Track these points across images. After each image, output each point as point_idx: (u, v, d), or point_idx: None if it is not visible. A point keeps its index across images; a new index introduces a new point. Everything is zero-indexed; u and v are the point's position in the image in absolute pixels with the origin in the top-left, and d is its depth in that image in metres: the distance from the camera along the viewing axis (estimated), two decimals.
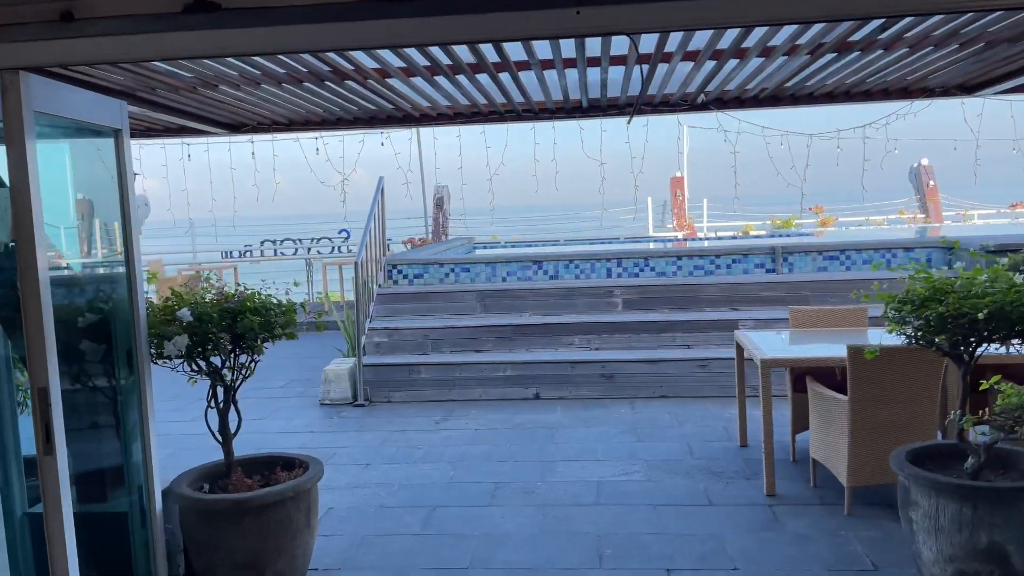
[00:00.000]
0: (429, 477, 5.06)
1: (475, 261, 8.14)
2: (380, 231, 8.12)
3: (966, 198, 18.77)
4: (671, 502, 4.45)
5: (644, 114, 5.79)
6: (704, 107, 5.48)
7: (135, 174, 2.95)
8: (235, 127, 5.45)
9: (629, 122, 6.18)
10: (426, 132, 13.45)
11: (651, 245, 12.55)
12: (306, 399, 7.38)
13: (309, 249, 15.67)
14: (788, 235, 12.29)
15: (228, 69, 4.20)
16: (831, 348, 4.71)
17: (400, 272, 8.20)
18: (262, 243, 15.93)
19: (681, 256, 7.86)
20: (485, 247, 12.69)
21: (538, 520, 4.28)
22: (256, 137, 6.38)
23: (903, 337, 3.28)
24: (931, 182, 17.38)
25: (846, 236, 10.26)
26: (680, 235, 15.21)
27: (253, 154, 12.54)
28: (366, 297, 7.63)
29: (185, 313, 3.05)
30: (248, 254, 15.98)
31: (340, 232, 15.45)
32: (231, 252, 15.79)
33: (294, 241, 15.72)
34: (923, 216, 17.19)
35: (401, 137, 13.26)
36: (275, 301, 3.44)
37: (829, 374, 4.54)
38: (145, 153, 12.64)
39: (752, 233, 16.44)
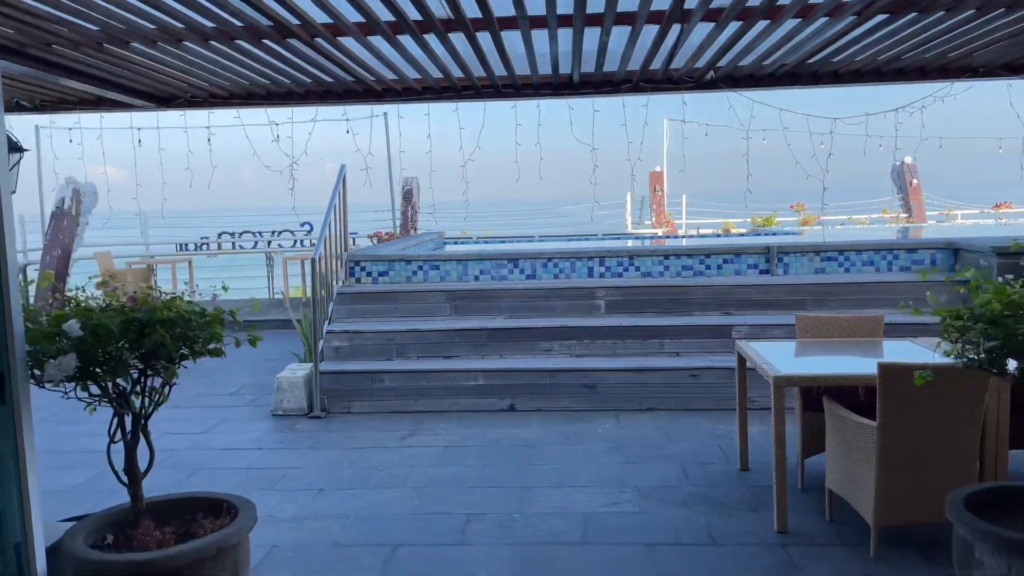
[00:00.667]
0: (391, 506, 4.45)
1: (445, 258, 7.52)
2: (341, 225, 7.47)
3: (948, 197, 18.55)
4: (669, 540, 3.89)
5: (642, 92, 5.21)
6: (712, 85, 4.91)
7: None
8: (164, 100, 4.76)
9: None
10: (394, 118, 12.78)
11: (629, 243, 12.02)
12: (257, 409, 6.71)
13: (269, 243, 14.90)
14: (780, 234, 11.83)
15: (139, 18, 3.50)
16: (852, 363, 4.19)
17: (363, 269, 7.55)
18: (219, 236, 15.13)
19: (668, 255, 7.32)
20: (456, 243, 12.07)
21: (517, 564, 3.69)
22: (191, 113, 5.66)
23: (960, 358, 2.75)
24: (914, 180, 17.10)
25: (845, 236, 9.82)
26: (660, 232, 14.72)
27: (210, 140, 11.77)
28: (325, 297, 6.97)
29: (73, 326, 2.40)
30: (205, 247, 15.17)
31: (303, 225, 14.71)
32: (186, 245, 14.96)
33: (253, 234, 14.93)
34: (906, 215, 16.90)
35: (366, 123, 12.54)
36: (198, 309, 2.80)
37: (850, 392, 4.01)
38: (109, 137, 11.77)
39: (733, 231, 16.01)
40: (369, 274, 7.55)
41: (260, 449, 5.62)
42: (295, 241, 14.67)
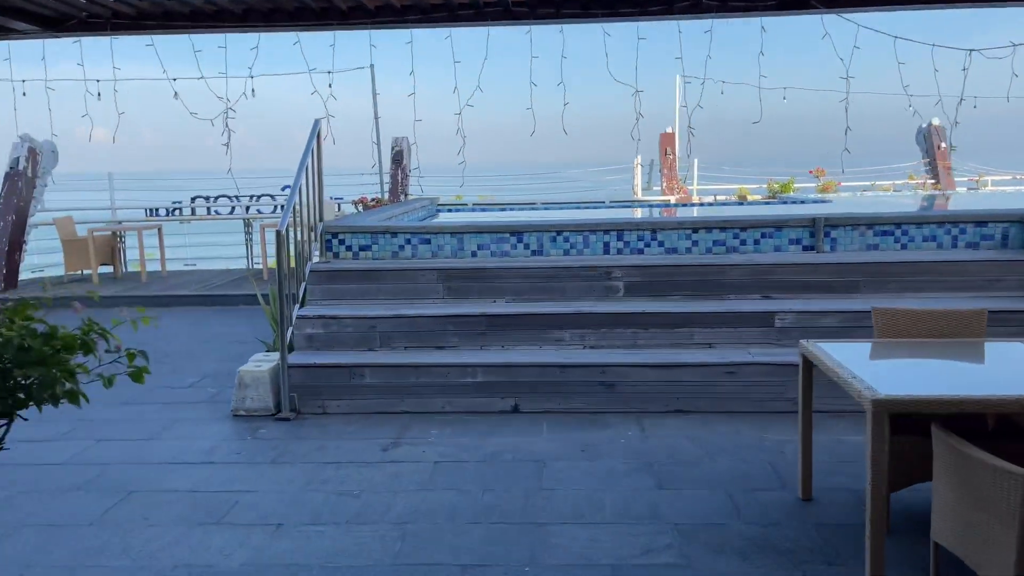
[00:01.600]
0: (367, 551, 3.54)
1: (437, 231, 6.54)
2: (316, 189, 6.47)
3: (977, 163, 17.55)
4: None
5: (705, 13, 4.17)
6: (803, 4, 3.88)
7: None
8: (53, 23, 3.75)
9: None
10: (382, 72, 11.69)
11: (643, 213, 11.04)
12: (217, 407, 5.79)
13: (248, 208, 13.87)
14: (797, 202, 10.83)
15: None
16: (969, 377, 3.26)
17: (342, 243, 6.57)
18: (193, 200, 14.08)
19: (697, 228, 6.35)
20: (450, 210, 11.06)
21: None
22: (86, 41, 4.63)
23: None
24: (942, 144, 16.09)
25: (901, 207, 8.86)
26: (672, 200, 13.72)
27: (176, 94, 10.67)
28: (296, 275, 6.01)
29: None
30: (177, 212, 14.13)
31: (284, 188, 13.66)
32: (157, 210, 13.93)
33: (230, 198, 13.88)
34: (933, 182, 15.93)
35: (351, 79, 11.45)
36: (57, 332, 1.83)
37: (969, 417, 3.09)
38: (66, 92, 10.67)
39: (749, 199, 15.03)
40: (349, 248, 6.58)
41: (212, 463, 4.69)
42: (275, 207, 13.65)
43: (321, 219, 6.56)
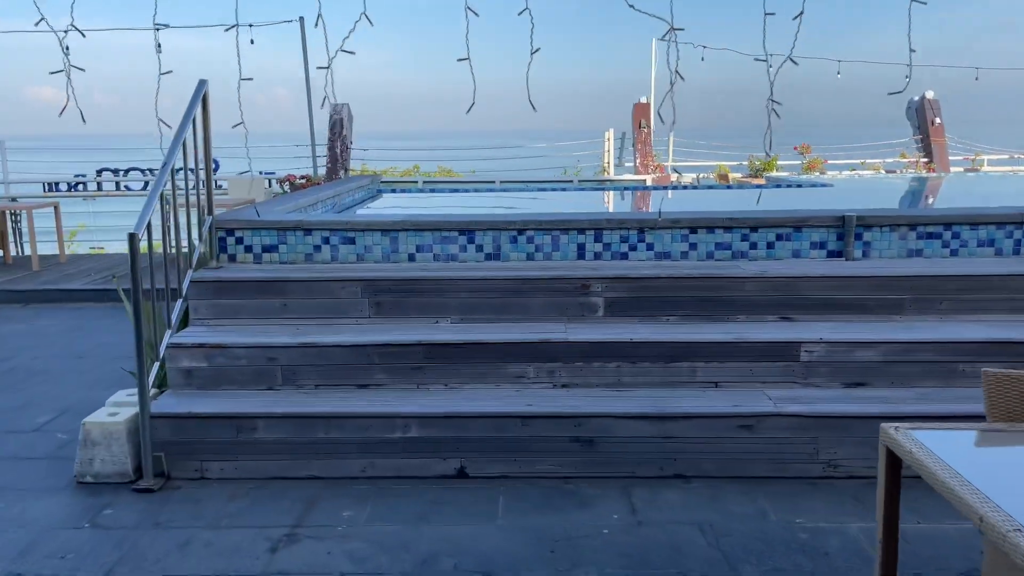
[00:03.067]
0: None
1: (364, 227, 5.14)
2: (204, 167, 5.03)
3: (968, 139, 16.58)
4: None
5: None
6: None
7: None
8: None
9: None
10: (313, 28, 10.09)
11: (609, 198, 9.73)
12: (60, 466, 4.38)
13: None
14: (823, 185, 9.60)
15: None
16: None
17: (240, 243, 5.15)
18: (99, 173, 12.38)
19: (697, 227, 5.06)
20: (395, 191, 9.62)
21: None
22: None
23: None
24: (936, 120, 15.06)
25: (947, 203, 7.66)
26: (647, 179, 12.43)
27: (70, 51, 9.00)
28: (170, 289, 4.59)
29: None
30: (81, 187, 12.43)
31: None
32: (56, 185, 12.21)
33: (142, 171, 12.21)
34: (925, 160, 14.91)
35: (275, 34, 9.88)
36: None
37: None
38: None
39: (731, 179, 13.84)
40: (249, 249, 5.15)
41: None
42: (195, 182, 12.05)
43: (211, 211, 5.12)
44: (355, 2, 6.87)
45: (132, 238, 3.96)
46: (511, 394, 4.33)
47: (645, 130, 13.81)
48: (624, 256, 5.11)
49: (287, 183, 8.92)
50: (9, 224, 11.24)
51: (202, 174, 4.99)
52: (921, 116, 15.34)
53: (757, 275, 4.71)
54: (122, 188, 12.10)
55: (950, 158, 14.99)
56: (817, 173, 14.30)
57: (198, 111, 4.85)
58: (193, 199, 4.92)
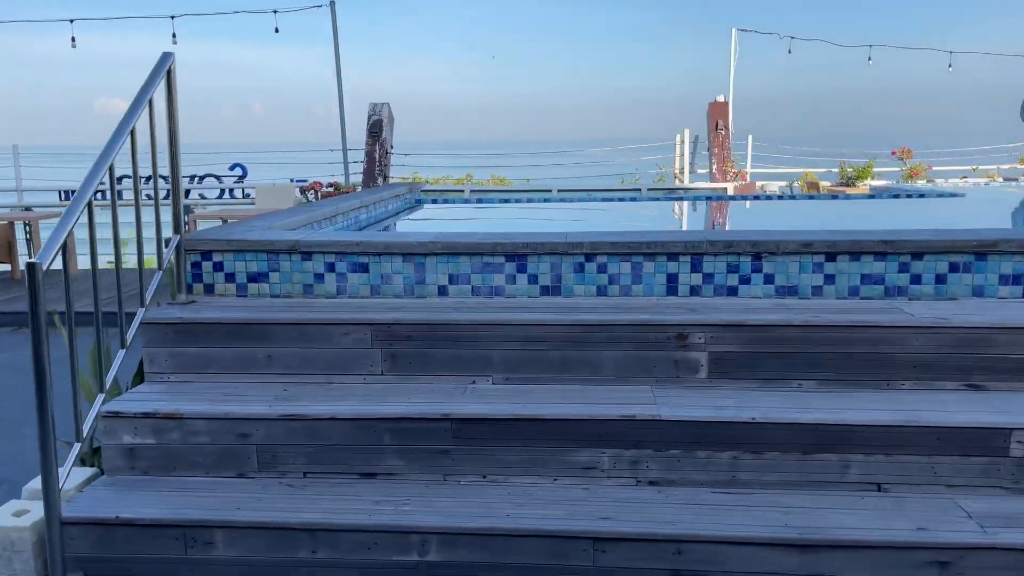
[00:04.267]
0: None
1: (380, 250, 3.91)
2: (171, 170, 3.88)
3: None
4: None
5: None
6: None
7: None
8: None
9: None
10: (347, 5, 9.02)
11: (693, 211, 8.35)
12: None
13: (188, 192, 11.30)
14: (952, 195, 8.06)
15: None
16: None
17: (219, 269, 3.98)
18: (119, 180, 11.51)
19: (835, 253, 3.70)
20: (436, 201, 8.42)
21: None
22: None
23: None
24: None
25: None
26: (728, 188, 10.98)
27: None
28: (120, 330, 3.44)
29: None
30: (99, 195, 11.56)
31: (232, 168, 11.11)
32: (71, 192, 11.38)
33: (164, 179, 11.30)
34: None
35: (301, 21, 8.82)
36: None
37: None
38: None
39: (822, 187, 12.31)
40: (231, 278, 3.98)
41: None
42: (222, 191, 11.09)
43: (178, 228, 3.95)
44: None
45: (32, 270, 2.79)
46: (577, 496, 3.04)
47: (723, 132, 12.37)
48: (733, 292, 3.78)
49: (311, 192, 7.84)
50: (23, 235, 10.43)
51: (161, 184, 3.83)
52: None
53: (931, 324, 3.32)
54: (145, 197, 11.24)
55: None
56: (923, 181, 12.66)
57: (157, 92, 3.69)
58: (150, 218, 3.78)
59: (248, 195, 10.70)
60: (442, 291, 3.90)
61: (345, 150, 9.19)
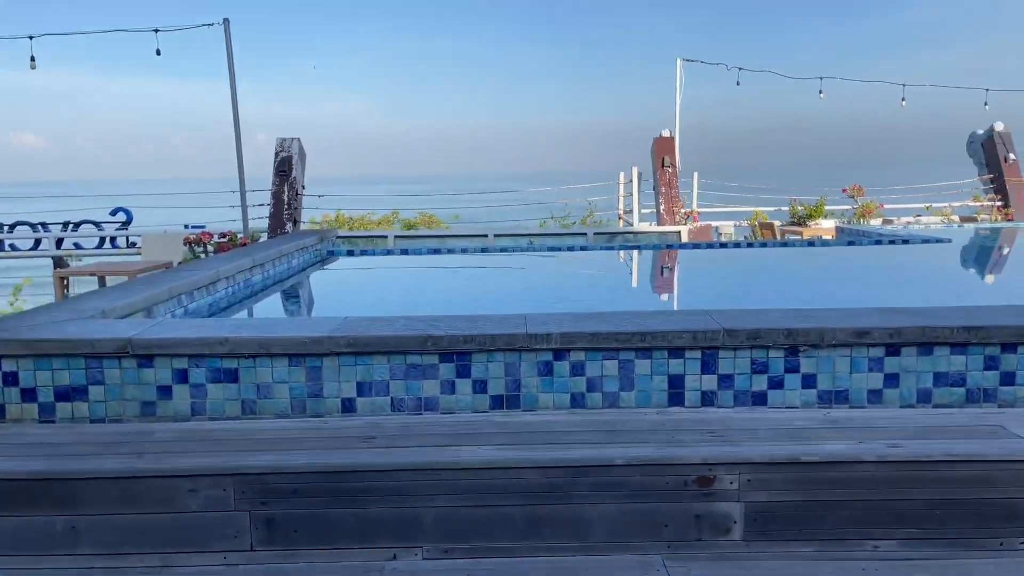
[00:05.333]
0: None
1: (253, 350, 2.70)
2: None
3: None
4: None
5: None
6: None
7: None
8: None
9: None
10: (243, 25, 7.81)
11: (635, 263, 7.38)
12: None
13: (61, 241, 9.77)
14: (862, 232, 7.30)
15: None
16: None
17: (12, 382, 2.70)
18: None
19: (900, 344, 2.68)
20: (355, 252, 7.20)
21: None
22: None
23: None
24: (1011, 155, 12.96)
25: None
26: (681, 231, 10.08)
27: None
28: None
29: None
30: None
31: (115, 212, 9.66)
32: None
33: (34, 227, 9.75)
34: (1000, 204, 12.76)
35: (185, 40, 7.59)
36: None
37: None
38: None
39: (778, 230, 11.61)
40: (30, 396, 2.72)
41: None
42: (102, 240, 9.60)
43: None
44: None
45: None
46: None
47: (670, 170, 11.54)
48: (760, 399, 2.72)
49: (199, 244, 6.53)
50: None
51: None
52: (990, 152, 13.24)
53: None
54: (7, 247, 9.62)
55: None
56: (877, 221, 12.11)
57: None
58: None
59: (134, 244, 9.29)
60: (348, 407, 2.73)
61: (243, 192, 7.84)
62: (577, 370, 2.72)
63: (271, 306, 5.10)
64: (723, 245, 7.84)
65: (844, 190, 13.03)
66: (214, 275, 4.29)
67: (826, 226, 12.72)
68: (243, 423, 2.67)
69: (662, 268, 6.58)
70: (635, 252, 7.74)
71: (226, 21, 7.12)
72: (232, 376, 2.69)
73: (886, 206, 12.97)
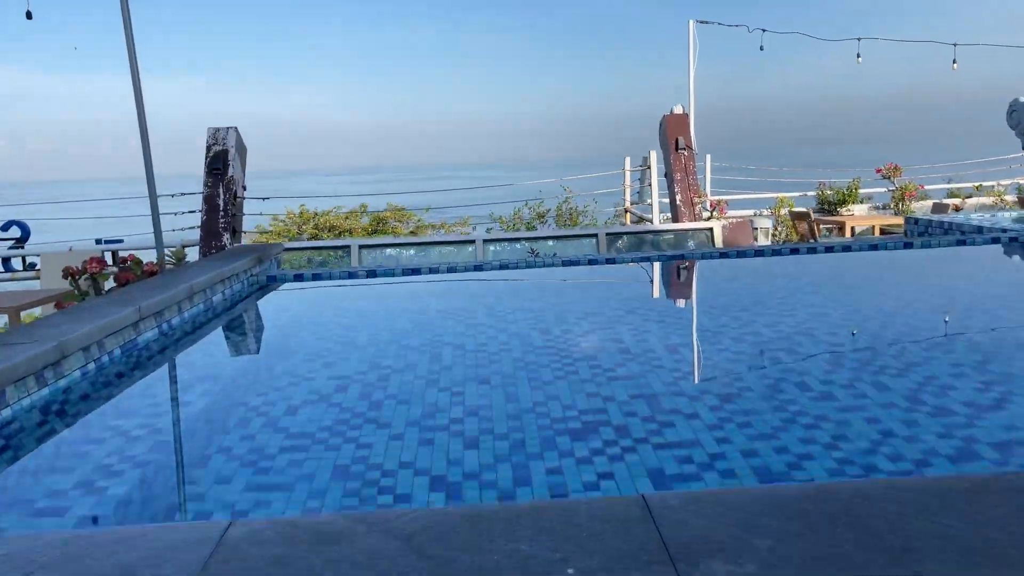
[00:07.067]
0: None
1: None
2: None
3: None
4: None
5: None
6: None
7: None
8: None
9: None
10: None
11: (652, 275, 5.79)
12: None
13: None
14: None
15: None
16: None
17: None
18: None
19: None
20: (303, 276, 5.53)
21: None
22: None
23: None
24: None
25: None
26: (714, 228, 8.42)
27: None
28: None
29: None
30: None
31: (7, 227, 7.94)
32: None
33: None
34: None
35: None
36: None
37: None
38: None
39: (797, 212, 10.07)
40: None
41: None
42: None
43: None
44: None
45: None
46: None
47: (685, 153, 9.93)
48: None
49: (84, 276, 4.76)
50: None
51: None
52: None
53: None
54: None
55: None
56: (922, 205, 10.64)
57: None
58: None
59: (32, 265, 7.60)
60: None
61: (154, 199, 5.94)
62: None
63: (141, 412, 3.13)
64: (776, 252, 6.23)
65: (879, 170, 11.55)
66: (55, 350, 2.66)
67: (858, 212, 11.19)
68: None
69: (706, 295, 4.99)
70: (678, 266, 6.09)
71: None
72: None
73: (925, 187, 11.49)
